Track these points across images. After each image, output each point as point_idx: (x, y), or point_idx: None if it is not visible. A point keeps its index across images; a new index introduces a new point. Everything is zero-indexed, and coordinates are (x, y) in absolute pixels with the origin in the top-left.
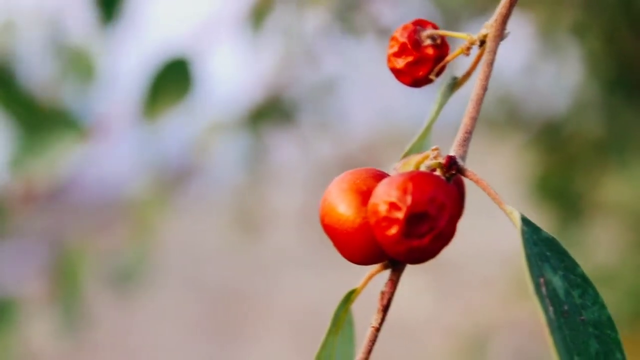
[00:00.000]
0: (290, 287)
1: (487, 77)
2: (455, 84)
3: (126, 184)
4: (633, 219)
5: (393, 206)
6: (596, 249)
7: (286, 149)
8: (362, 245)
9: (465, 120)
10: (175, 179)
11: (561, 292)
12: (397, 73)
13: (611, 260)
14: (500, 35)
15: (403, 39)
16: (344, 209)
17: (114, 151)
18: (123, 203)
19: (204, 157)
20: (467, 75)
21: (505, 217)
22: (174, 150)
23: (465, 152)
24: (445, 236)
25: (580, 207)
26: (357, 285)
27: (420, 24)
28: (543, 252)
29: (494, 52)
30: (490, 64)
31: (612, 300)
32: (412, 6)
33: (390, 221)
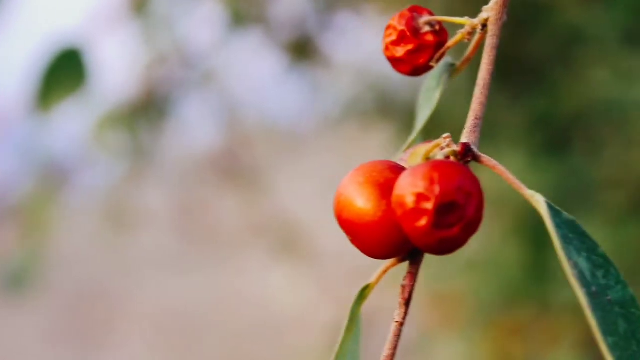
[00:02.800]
0: (153, 289)
1: (493, 61)
2: (453, 70)
3: (13, 184)
4: (508, 206)
5: (421, 197)
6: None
7: (161, 146)
8: (383, 239)
9: (474, 106)
10: (62, 176)
11: (588, 274)
12: (396, 62)
13: (487, 247)
14: (502, 18)
15: (401, 26)
16: (363, 202)
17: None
18: (10, 204)
19: (90, 153)
20: (467, 60)
21: None
22: (60, 146)
23: (477, 138)
24: (474, 225)
25: None
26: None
27: (416, 11)
28: (566, 234)
29: (497, 35)
30: (495, 47)
31: (489, 286)
32: None
33: (419, 212)
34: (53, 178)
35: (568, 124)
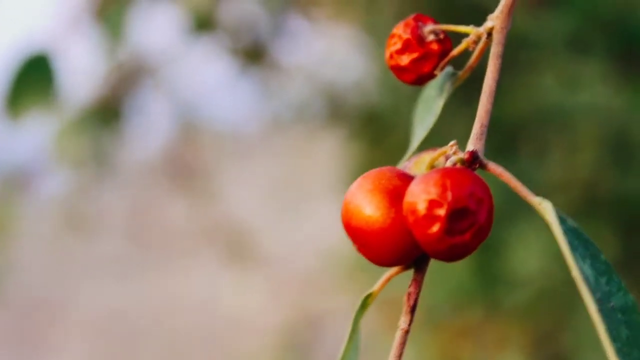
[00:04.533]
0: (100, 294)
1: (498, 69)
2: (455, 80)
3: None
4: None
5: (434, 203)
6: None
7: (115, 151)
8: (392, 246)
9: (480, 114)
10: (22, 182)
11: (592, 280)
12: (400, 70)
13: None
14: (507, 26)
15: (406, 35)
16: (372, 210)
17: None
18: None
19: (49, 159)
20: (469, 69)
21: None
22: (22, 152)
23: (483, 145)
24: (484, 230)
25: None
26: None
27: (420, 20)
28: (572, 240)
29: (502, 44)
30: (500, 56)
31: (436, 289)
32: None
33: (431, 219)
34: (15, 184)
35: (515, 129)
